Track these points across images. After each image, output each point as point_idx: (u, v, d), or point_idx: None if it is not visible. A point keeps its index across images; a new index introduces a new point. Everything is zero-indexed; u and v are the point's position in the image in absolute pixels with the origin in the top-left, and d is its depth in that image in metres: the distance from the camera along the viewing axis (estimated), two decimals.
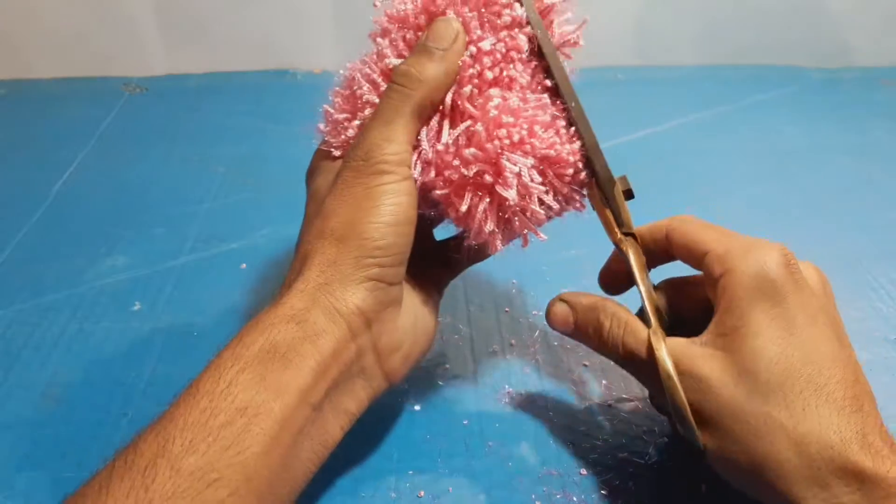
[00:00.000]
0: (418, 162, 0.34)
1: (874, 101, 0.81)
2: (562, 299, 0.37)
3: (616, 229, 0.36)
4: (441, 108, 0.34)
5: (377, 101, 0.34)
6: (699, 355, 0.31)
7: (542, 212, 0.34)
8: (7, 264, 0.53)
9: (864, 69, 0.87)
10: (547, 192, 0.34)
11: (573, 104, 0.34)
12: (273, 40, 0.83)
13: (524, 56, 0.34)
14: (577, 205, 0.37)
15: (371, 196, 0.32)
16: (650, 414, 0.41)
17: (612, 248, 0.37)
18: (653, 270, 0.37)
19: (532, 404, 0.41)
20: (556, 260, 0.53)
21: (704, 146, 0.70)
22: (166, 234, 0.56)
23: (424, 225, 0.41)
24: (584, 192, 0.36)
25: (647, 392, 0.42)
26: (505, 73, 0.34)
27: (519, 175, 0.33)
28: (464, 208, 0.33)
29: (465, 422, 0.40)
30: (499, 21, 0.34)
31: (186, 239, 0.55)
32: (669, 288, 0.37)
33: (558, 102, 0.35)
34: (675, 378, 0.31)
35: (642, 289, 0.35)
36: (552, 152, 0.33)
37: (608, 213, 0.36)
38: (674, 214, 0.37)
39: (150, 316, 0.48)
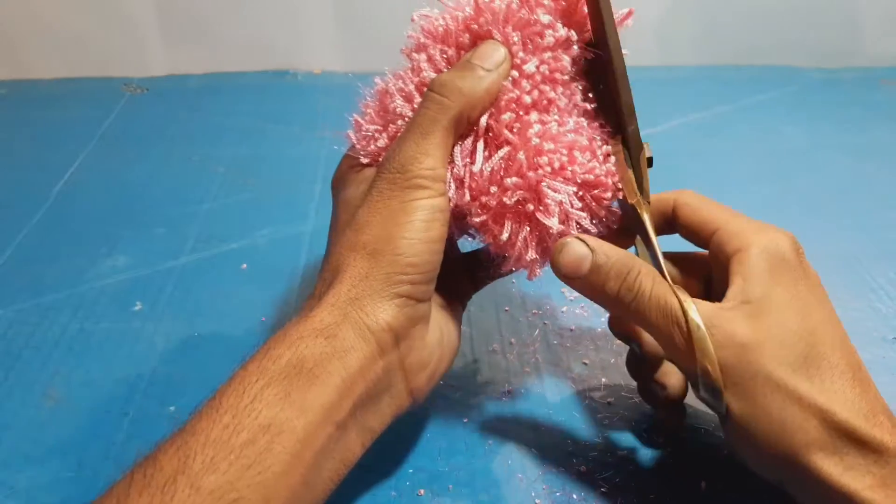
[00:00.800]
0: (451, 180, 0.34)
1: (874, 101, 0.81)
2: (578, 238, 0.33)
3: (636, 191, 0.35)
4: (476, 128, 0.34)
5: (410, 114, 0.34)
6: (728, 317, 0.31)
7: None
8: (8, 264, 0.53)
9: (864, 69, 0.87)
10: (586, 218, 0.34)
11: (619, 61, 0.34)
12: (273, 40, 0.83)
13: (566, 78, 0.34)
14: (613, 226, 0.36)
15: (406, 210, 0.31)
16: (650, 411, 0.41)
17: None
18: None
19: (532, 403, 0.41)
20: None
21: (704, 146, 0.70)
22: (166, 234, 0.56)
23: (450, 236, 0.41)
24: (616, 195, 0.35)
25: None
26: (544, 97, 0.34)
27: (560, 203, 0.33)
28: (505, 236, 0.33)
29: (465, 420, 0.40)
30: (542, 41, 0.33)
31: (187, 239, 0.55)
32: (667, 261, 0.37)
33: (595, 125, 0.35)
34: (709, 338, 0.30)
35: (658, 252, 0.34)
36: (591, 177, 0.33)
37: (630, 174, 0.35)
38: None
39: (150, 316, 0.48)
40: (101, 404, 0.41)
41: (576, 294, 0.49)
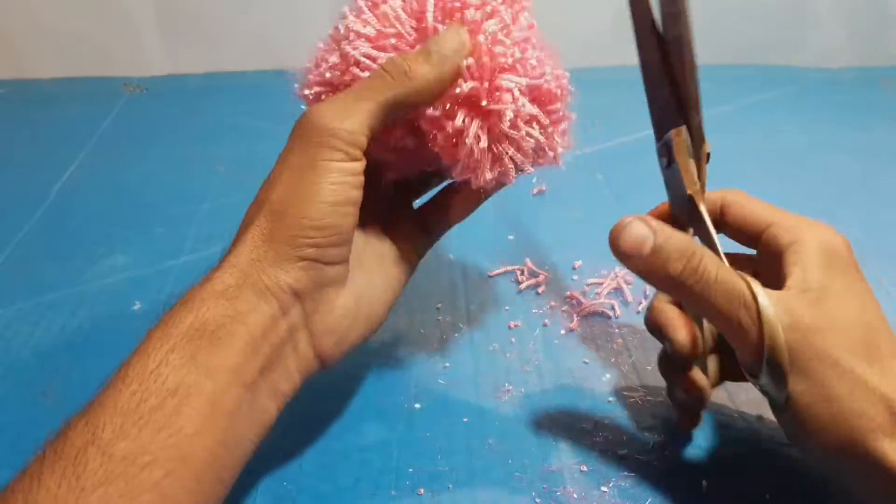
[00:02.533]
0: None
1: (874, 101, 0.81)
2: (639, 218, 0.32)
3: (695, 180, 0.35)
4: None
5: (361, 30, 0.34)
6: (793, 302, 0.31)
7: (533, 142, 0.34)
8: (7, 264, 0.53)
9: (864, 69, 0.87)
10: (533, 125, 0.34)
11: (690, 54, 0.33)
12: (273, 40, 0.83)
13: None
14: (557, 151, 0.37)
15: (315, 169, 0.31)
16: (651, 410, 0.41)
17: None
18: None
19: (532, 402, 0.41)
20: (555, 261, 0.53)
21: None
22: (166, 233, 0.56)
23: (402, 191, 0.40)
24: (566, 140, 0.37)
25: (646, 389, 0.42)
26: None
27: (513, 94, 0.33)
28: (459, 122, 0.33)
29: (465, 419, 0.40)
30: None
31: (186, 239, 0.55)
32: None
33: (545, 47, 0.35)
34: (778, 323, 0.30)
35: (717, 241, 0.34)
36: (542, 82, 0.34)
37: (692, 164, 0.35)
38: None
39: (150, 315, 0.48)
40: None
41: (576, 293, 0.49)
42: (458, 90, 0.32)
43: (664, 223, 0.32)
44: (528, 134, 0.34)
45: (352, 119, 0.31)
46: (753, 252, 0.36)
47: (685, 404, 0.38)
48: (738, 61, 0.87)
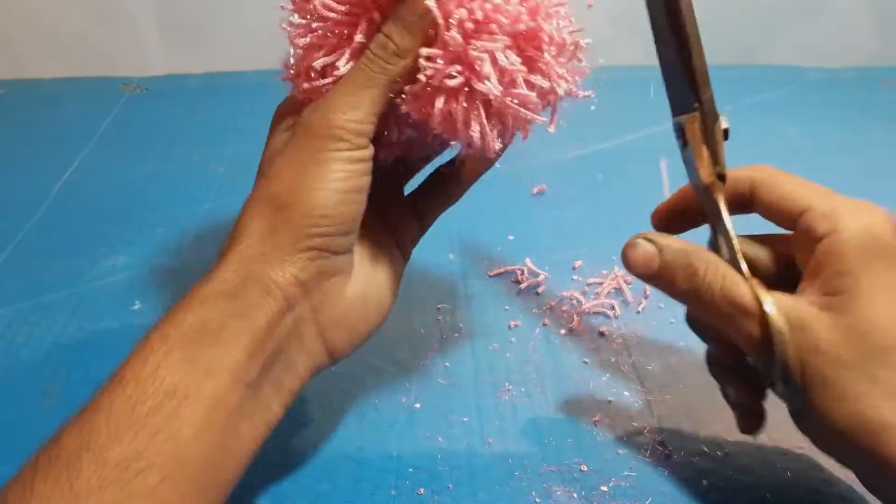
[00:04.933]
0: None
1: (874, 101, 0.81)
2: (646, 238, 0.33)
3: (711, 168, 0.33)
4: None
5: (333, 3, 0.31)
6: (808, 313, 0.30)
7: (534, 95, 0.31)
8: (7, 264, 0.53)
9: (864, 69, 0.87)
10: (531, 73, 0.31)
11: (692, 23, 0.32)
12: (273, 40, 0.83)
13: None
14: (568, 84, 0.33)
15: (319, 161, 0.30)
16: (651, 410, 0.41)
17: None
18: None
19: (532, 401, 0.41)
20: (556, 260, 0.53)
21: None
22: (166, 233, 0.56)
23: (394, 179, 0.39)
24: (581, 66, 0.33)
25: (646, 389, 0.42)
26: None
27: (493, 58, 0.30)
28: (439, 105, 0.30)
29: (465, 419, 0.40)
30: None
31: (186, 239, 0.55)
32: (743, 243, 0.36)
33: None
34: (787, 332, 0.29)
35: (734, 238, 0.33)
36: (522, 26, 0.30)
37: (705, 150, 0.33)
38: None
39: (150, 315, 0.48)
40: None
41: (575, 293, 0.49)
42: (420, 77, 0.30)
43: (673, 238, 0.32)
44: (530, 86, 0.31)
45: (356, 110, 0.30)
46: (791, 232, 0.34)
47: (741, 405, 0.36)
48: (738, 61, 0.87)
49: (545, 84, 0.32)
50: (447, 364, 0.44)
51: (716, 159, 0.33)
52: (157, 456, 0.25)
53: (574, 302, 0.49)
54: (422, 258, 0.45)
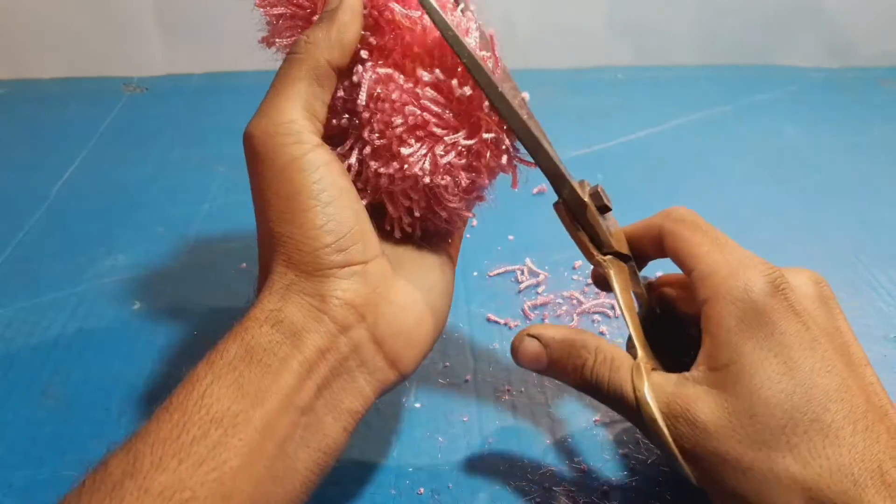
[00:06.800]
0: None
1: (874, 101, 0.81)
2: (530, 334, 0.33)
3: (593, 252, 0.34)
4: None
5: None
6: (692, 396, 0.29)
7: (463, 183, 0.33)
8: (7, 264, 0.53)
9: (864, 69, 0.87)
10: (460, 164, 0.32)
11: (525, 120, 0.32)
12: None
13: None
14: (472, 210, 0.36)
15: (290, 179, 0.29)
16: None
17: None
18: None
19: (532, 401, 0.41)
20: (556, 260, 0.53)
21: (704, 146, 0.70)
22: (166, 233, 0.56)
23: None
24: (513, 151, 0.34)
25: None
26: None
27: (424, 156, 0.31)
28: (397, 211, 0.33)
29: (465, 419, 0.40)
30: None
31: (186, 239, 0.55)
32: (676, 284, 0.36)
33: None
34: (662, 423, 0.29)
35: (626, 315, 0.33)
36: (428, 179, 0.32)
37: (582, 235, 0.34)
38: None
39: (150, 315, 0.48)
40: (100, 403, 0.41)
41: (575, 293, 0.49)
42: (358, 186, 0.32)
43: (558, 329, 0.33)
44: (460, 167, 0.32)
45: (283, 111, 0.30)
46: None
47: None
48: (738, 61, 0.87)
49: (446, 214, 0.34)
50: (447, 363, 0.44)
51: (598, 242, 0.34)
52: (201, 487, 0.24)
53: (574, 302, 0.49)
54: None
